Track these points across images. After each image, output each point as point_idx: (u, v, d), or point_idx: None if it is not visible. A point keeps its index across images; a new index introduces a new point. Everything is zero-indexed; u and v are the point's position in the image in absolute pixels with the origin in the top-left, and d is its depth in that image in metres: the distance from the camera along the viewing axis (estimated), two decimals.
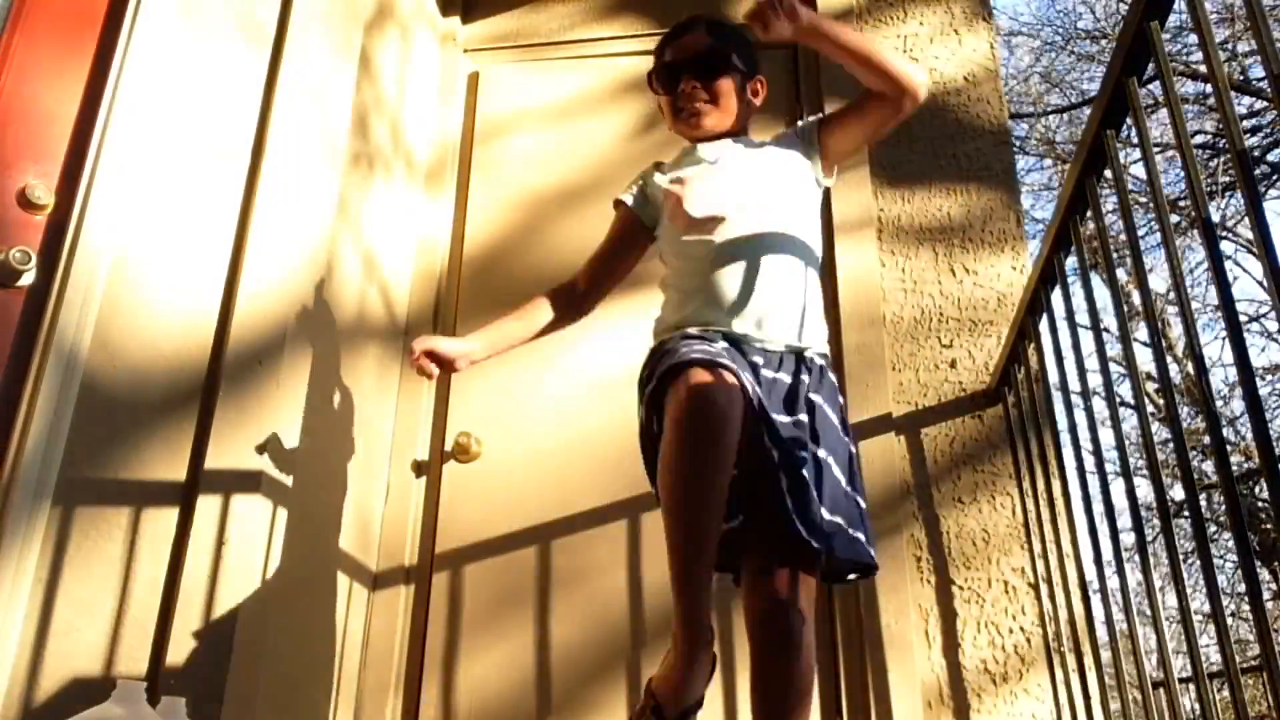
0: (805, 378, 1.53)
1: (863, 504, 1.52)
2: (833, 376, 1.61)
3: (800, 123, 1.79)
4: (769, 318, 1.54)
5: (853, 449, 1.56)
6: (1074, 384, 1.72)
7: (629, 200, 1.80)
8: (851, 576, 1.58)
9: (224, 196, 2.02)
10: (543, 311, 1.78)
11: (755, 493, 1.43)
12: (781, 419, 1.46)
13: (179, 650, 1.69)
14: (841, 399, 1.62)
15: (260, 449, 1.87)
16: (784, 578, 1.42)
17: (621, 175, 1.79)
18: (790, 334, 1.56)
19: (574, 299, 1.81)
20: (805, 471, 1.42)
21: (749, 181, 1.66)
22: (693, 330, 1.53)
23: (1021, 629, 2.16)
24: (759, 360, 1.51)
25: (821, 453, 1.47)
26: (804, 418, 1.48)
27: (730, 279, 1.56)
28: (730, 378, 1.35)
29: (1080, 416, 1.76)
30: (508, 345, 1.78)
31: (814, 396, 1.52)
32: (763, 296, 1.55)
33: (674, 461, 1.33)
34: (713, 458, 1.31)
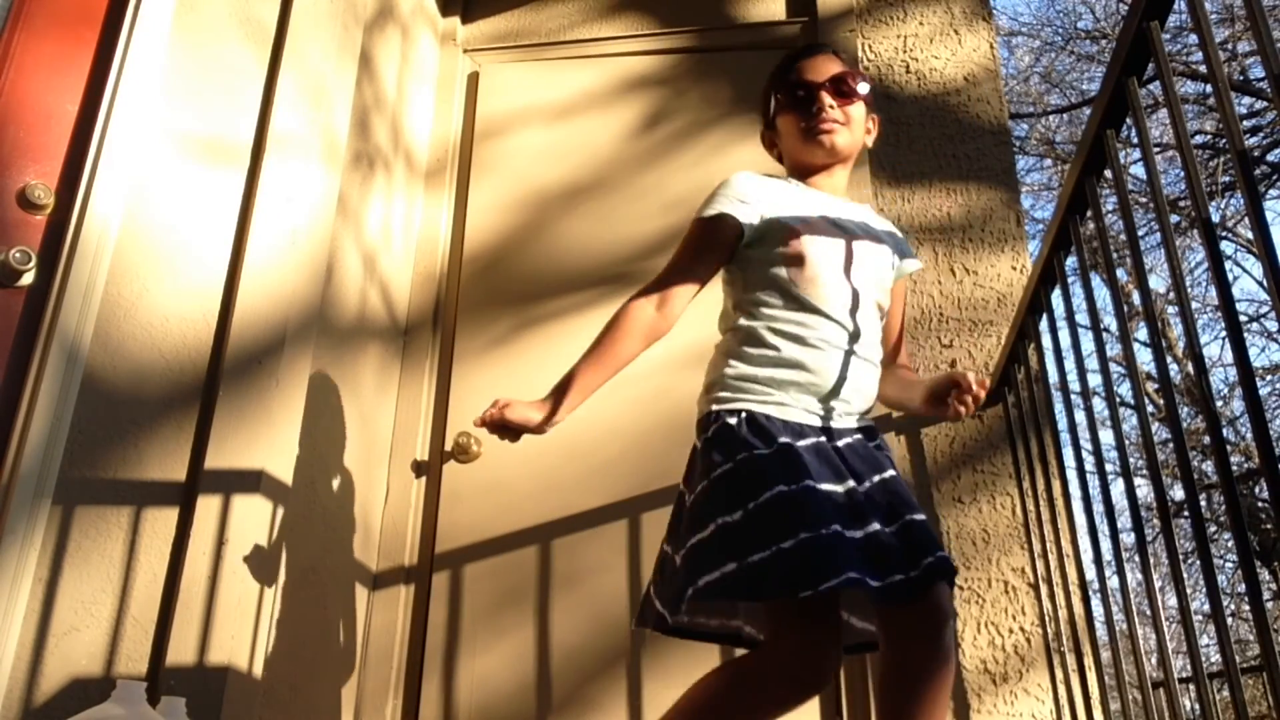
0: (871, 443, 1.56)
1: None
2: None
3: (904, 245, 1.77)
4: (855, 401, 1.56)
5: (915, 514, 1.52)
6: (1074, 384, 1.72)
7: (743, 221, 1.58)
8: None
9: (224, 196, 2.03)
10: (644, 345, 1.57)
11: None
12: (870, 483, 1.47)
13: (179, 650, 1.69)
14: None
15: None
16: (937, 593, 1.39)
17: (622, 174, 1.78)
18: (862, 412, 1.59)
19: (659, 331, 1.57)
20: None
21: (873, 267, 1.64)
22: (787, 414, 1.48)
23: (1021, 629, 2.16)
24: (835, 428, 1.53)
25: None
26: (875, 477, 1.49)
27: (836, 363, 1.54)
28: (832, 641, 1.34)
29: (1080, 416, 1.76)
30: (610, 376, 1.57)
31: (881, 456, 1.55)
32: (857, 385, 1.56)
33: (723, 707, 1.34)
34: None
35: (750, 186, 1.61)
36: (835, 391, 1.52)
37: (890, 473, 1.50)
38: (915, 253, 1.75)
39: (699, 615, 1.55)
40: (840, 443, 1.51)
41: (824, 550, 1.28)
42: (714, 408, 1.50)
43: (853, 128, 1.65)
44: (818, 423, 1.51)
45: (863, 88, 1.67)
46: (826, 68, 1.66)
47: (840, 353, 1.54)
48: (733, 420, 1.46)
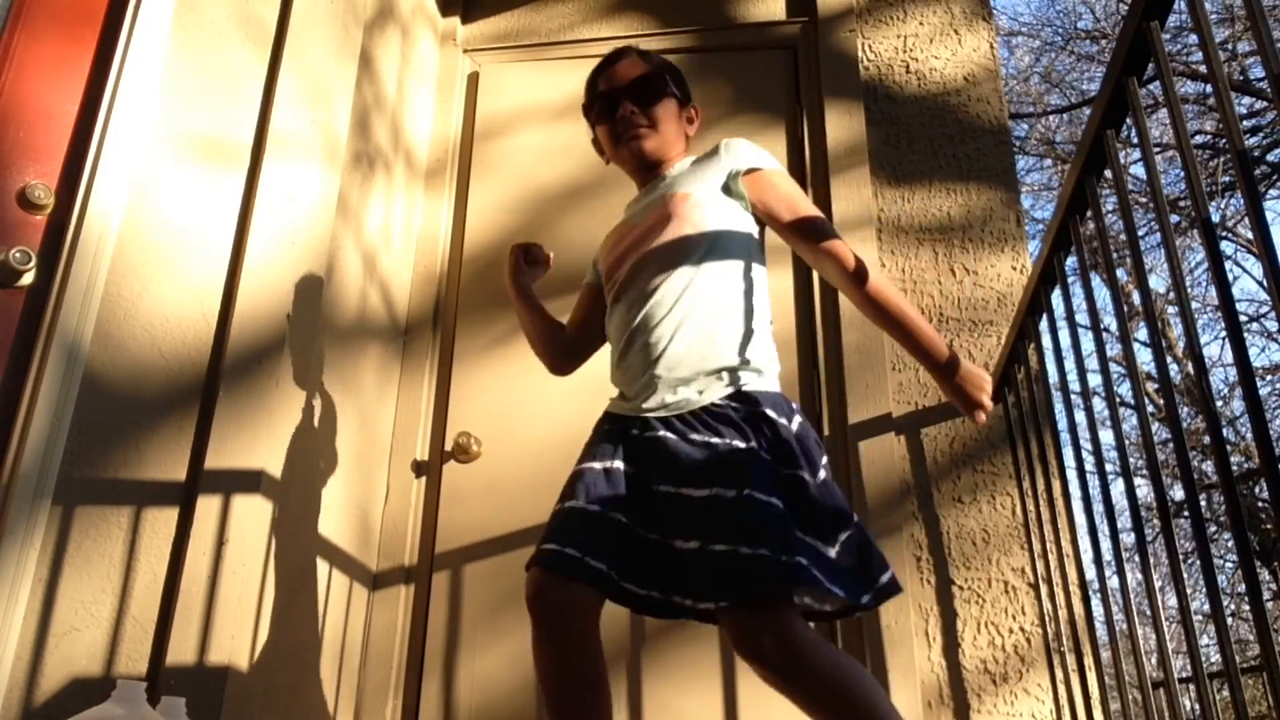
0: (701, 435, 1.45)
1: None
2: (765, 410, 1.45)
3: (724, 155, 1.64)
4: (676, 373, 1.50)
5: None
6: (1074, 384, 1.72)
7: (589, 277, 1.86)
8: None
9: (224, 196, 2.03)
10: (555, 328, 1.88)
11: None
12: (692, 492, 1.40)
13: (179, 650, 1.69)
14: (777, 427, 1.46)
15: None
16: (745, 610, 1.34)
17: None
18: (689, 392, 1.49)
19: (564, 343, 1.88)
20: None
21: (670, 229, 1.58)
22: (611, 410, 1.63)
23: (1021, 629, 2.16)
24: (661, 428, 1.48)
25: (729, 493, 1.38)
26: (705, 489, 1.40)
27: (630, 340, 1.58)
28: (565, 591, 1.49)
29: (1080, 416, 1.76)
30: (536, 317, 1.88)
31: (719, 441, 1.44)
32: (669, 356, 1.51)
33: (539, 675, 1.51)
34: (561, 676, 1.50)
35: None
36: (644, 376, 1.54)
37: (701, 491, 1.39)
38: (751, 155, 1.63)
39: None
40: (662, 435, 1.47)
41: (553, 535, 1.50)
42: None
43: (661, 129, 1.67)
44: (636, 414, 1.54)
45: (666, 85, 1.68)
46: (627, 72, 1.68)
47: (640, 338, 1.56)
48: None
